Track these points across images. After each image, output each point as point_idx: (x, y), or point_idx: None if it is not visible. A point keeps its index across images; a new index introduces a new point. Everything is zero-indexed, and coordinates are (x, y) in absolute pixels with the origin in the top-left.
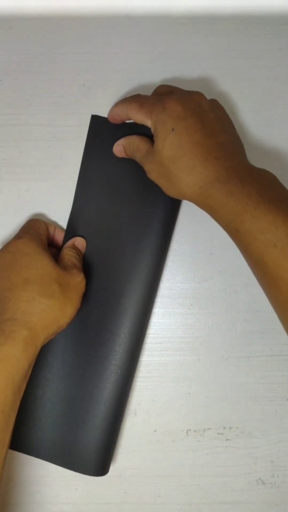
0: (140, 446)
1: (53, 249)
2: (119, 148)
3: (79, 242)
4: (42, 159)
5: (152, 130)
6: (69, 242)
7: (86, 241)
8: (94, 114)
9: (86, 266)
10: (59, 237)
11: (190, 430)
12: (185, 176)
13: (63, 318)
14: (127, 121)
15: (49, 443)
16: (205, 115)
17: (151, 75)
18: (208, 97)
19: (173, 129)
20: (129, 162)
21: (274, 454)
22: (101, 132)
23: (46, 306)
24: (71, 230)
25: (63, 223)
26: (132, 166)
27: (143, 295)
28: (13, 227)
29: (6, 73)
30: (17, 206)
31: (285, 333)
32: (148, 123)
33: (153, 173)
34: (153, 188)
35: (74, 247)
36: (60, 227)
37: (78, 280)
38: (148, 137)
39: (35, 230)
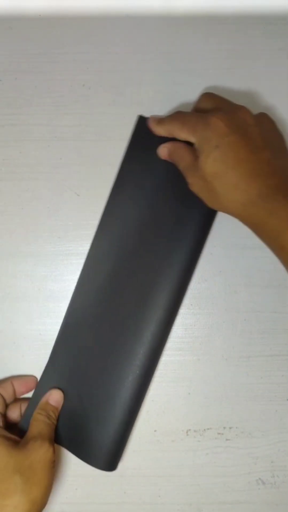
0: (140, 446)
1: (21, 402)
2: (164, 150)
3: (54, 396)
4: (42, 159)
5: (196, 146)
6: (43, 400)
7: (117, 241)
8: (140, 114)
9: (116, 265)
10: (20, 389)
11: (190, 430)
12: (228, 193)
13: (37, 505)
14: None
15: (65, 430)
16: (250, 131)
17: (151, 75)
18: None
19: (216, 146)
20: (170, 166)
21: (274, 454)
22: (146, 133)
23: (13, 508)
24: (106, 225)
25: (65, 224)
26: (173, 171)
27: (170, 301)
28: (13, 227)
29: (6, 73)
30: (17, 206)
31: (285, 333)
32: (192, 140)
33: (195, 186)
34: (190, 195)
35: (45, 407)
36: (17, 377)
37: (41, 453)
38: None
39: None
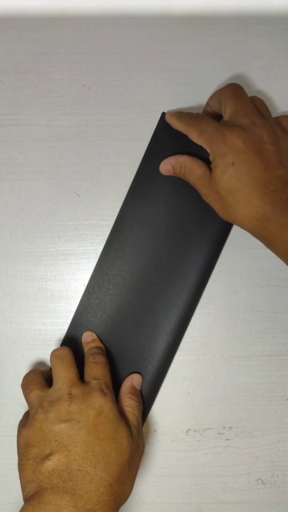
0: None
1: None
2: (167, 167)
3: (136, 380)
4: (42, 159)
5: (210, 158)
6: (128, 384)
7: (132, 243)
8: (164, 111)
9: (132, 271)
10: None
11: (190, 430)
12: (242, 208)
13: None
14: None
15: None
16: (265, 148)
17: (151, 75)
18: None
19: (232, 163)
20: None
21: (274, 454)
22: (168, 130)
23: (131, 484)
24: (121, 222)
25: (65, 224)
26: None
27: (186, 303)
28: (13, 227)
29: (6, 73)
30: (17, 206)
31: (285, 333)
32: (207, 150)
33: (209, 198)
34: (207, 205)
35: (135, 392)
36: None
37: (143, 444)
38: (201, 159)
39: (107, 381)
